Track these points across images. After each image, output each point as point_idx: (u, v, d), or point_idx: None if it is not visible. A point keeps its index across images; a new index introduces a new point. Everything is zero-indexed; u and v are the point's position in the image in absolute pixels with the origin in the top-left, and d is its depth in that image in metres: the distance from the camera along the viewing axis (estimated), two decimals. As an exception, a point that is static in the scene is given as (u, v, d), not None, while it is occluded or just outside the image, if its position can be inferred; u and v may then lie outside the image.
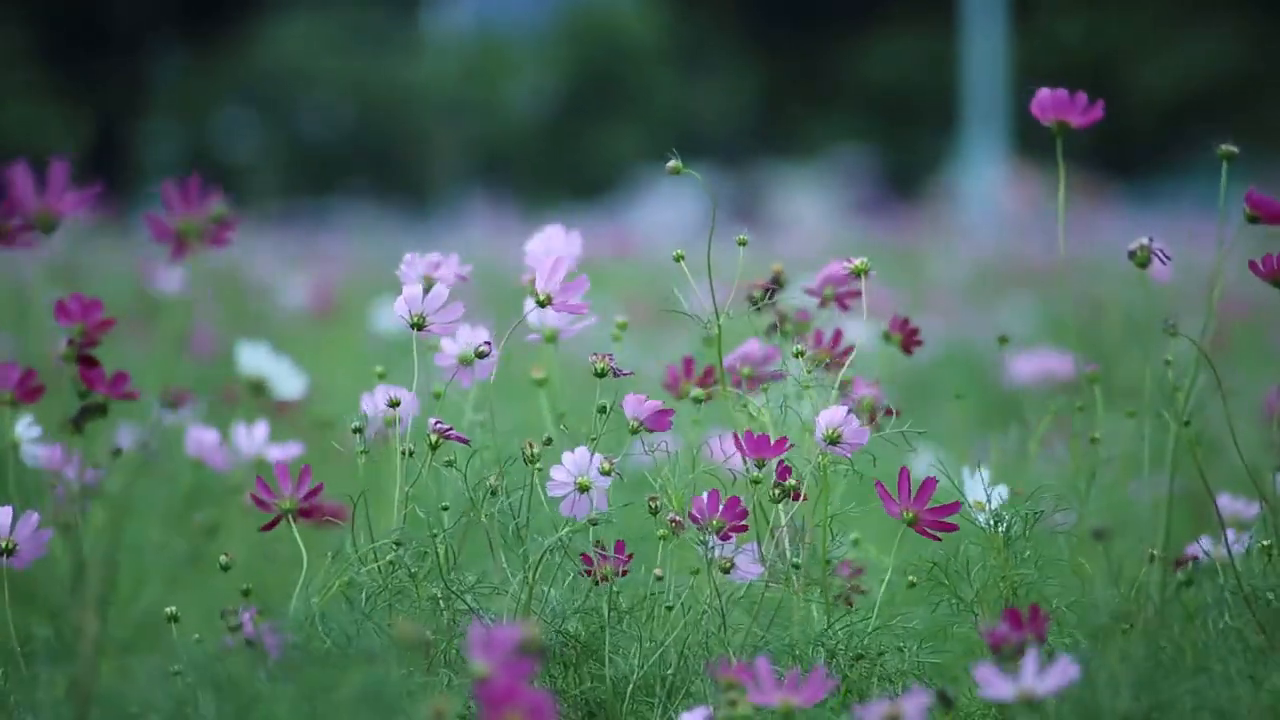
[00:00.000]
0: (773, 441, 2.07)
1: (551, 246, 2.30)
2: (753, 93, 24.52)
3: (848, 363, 2.27)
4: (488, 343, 2.16)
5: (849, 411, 2.10)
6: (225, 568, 2.15)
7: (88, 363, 2.12)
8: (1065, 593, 2.10)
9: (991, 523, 2.10)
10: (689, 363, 2.31)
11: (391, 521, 2.07)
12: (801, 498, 2.10)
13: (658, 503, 2.08)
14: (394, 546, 2.04)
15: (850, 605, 2.21)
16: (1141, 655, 1.91)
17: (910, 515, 2.06)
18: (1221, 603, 2.04)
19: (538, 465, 2.08)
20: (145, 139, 23.48)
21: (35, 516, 2.09)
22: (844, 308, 2.35)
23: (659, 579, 2.08)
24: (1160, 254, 2.13)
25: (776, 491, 2.08)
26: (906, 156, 22.10)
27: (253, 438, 2.76)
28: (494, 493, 2.07)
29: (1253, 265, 2.11)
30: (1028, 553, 2.10)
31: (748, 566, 2.10)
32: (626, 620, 2.07)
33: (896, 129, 23.22)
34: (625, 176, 20.37)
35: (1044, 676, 1.78)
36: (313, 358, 5.83)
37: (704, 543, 2.06)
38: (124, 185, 18.61)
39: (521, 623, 1.77)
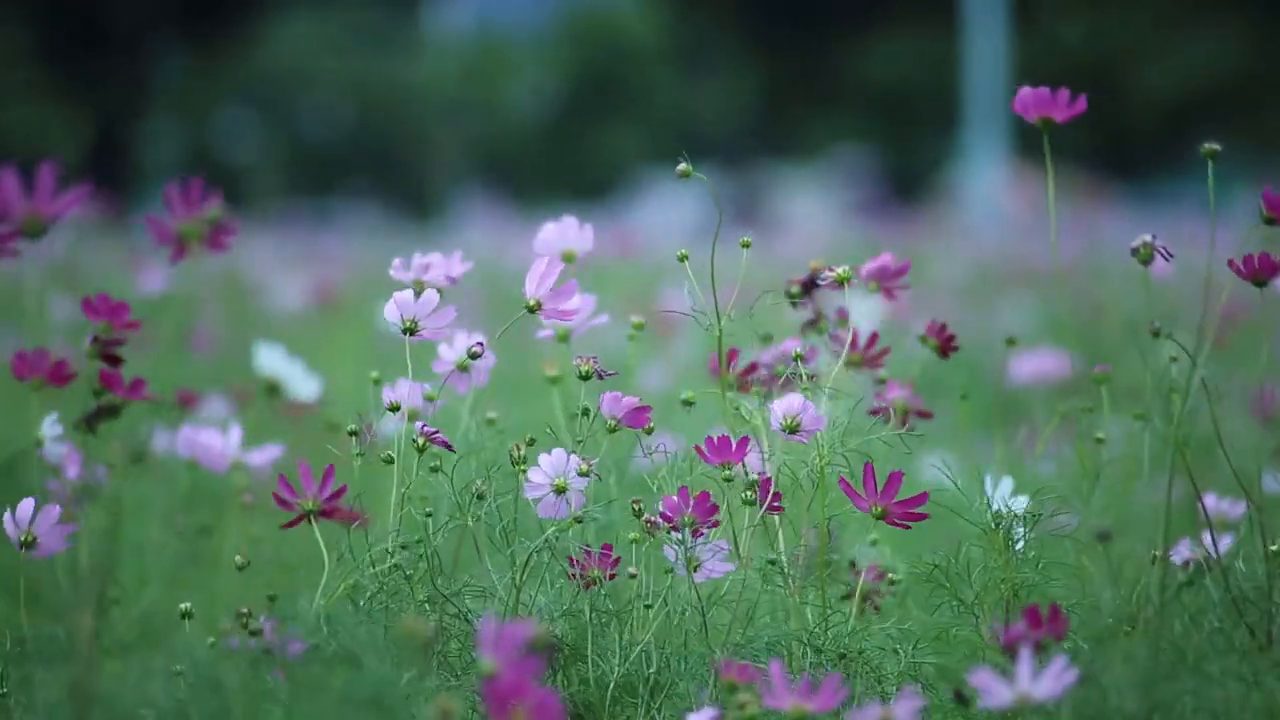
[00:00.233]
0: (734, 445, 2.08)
1: (565, 239, 2.29)
2: (753, 93, 24.51)
3: (883, 364, 2.28)
4: (480, 344, 2.15)
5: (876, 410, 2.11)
6: (240, 568, 2.14)
7: (112, 361, 2.12)
8: (1068, 594, 2.10)
9: (993, 524, 2.10)
10: (734, 354, 2.31)
11: (390, 522, 2.07)
12: (769, 505, 2.10)
13: (640, 505, 2.08)
14: (399, 549, 2.04)
15: (876, 607, 2.21)
16: (1145, 656, 1.90)
17: (879, 509, 2.07)
18: (1210, 605, 2.04)
19: (522, 468, 2.07)
20: (146, 139, 23.48)
21: (56, 510, 2.08)
22: (891, 298, 2.36)
23: (632, 577, 2.07)
24: (1163, 251, 2.14)
25: (749, 494, 2.08)
26: (907, 157, 22.10)
27: (229, 441, 2.75)
28: (481, 496, 2.06)
29: (1232, 265, 2.11)
30: (1031, 553, 2.10)
31: (716, 564, 2.09)
32: (609, 621, 2.06)
33: (897, 129, 23.22)
34: (626, 177, 20.37)
35: (1040, 680, 1.77)
36: (313, 359, 5.83)
37: (680, 543, 2.06)
38: (124, 185, 18.62)
39: (529, 621, 1.76)
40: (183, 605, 2.10)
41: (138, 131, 23.36)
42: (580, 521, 2.07)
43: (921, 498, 2.07)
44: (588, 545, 2.08)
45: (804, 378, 2.16)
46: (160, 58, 24.29)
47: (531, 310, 2.13)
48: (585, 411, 2.09)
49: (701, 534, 2.07)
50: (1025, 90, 2.16)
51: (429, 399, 2.20)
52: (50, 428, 2.27)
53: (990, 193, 15.18)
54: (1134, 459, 2.27)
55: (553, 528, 2.06)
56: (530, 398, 2.65)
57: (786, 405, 2.10)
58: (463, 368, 2.19)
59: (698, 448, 2.09)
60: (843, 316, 2.37)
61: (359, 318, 6.22)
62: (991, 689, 1.77)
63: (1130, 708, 1.85)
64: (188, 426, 2.77)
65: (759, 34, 24.65)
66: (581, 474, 2.07)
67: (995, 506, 2.10)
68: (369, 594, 2.04)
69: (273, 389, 3.11)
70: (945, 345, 2.37)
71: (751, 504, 2.08)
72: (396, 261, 2.22)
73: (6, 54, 21.63)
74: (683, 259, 2.14)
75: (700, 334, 2.20)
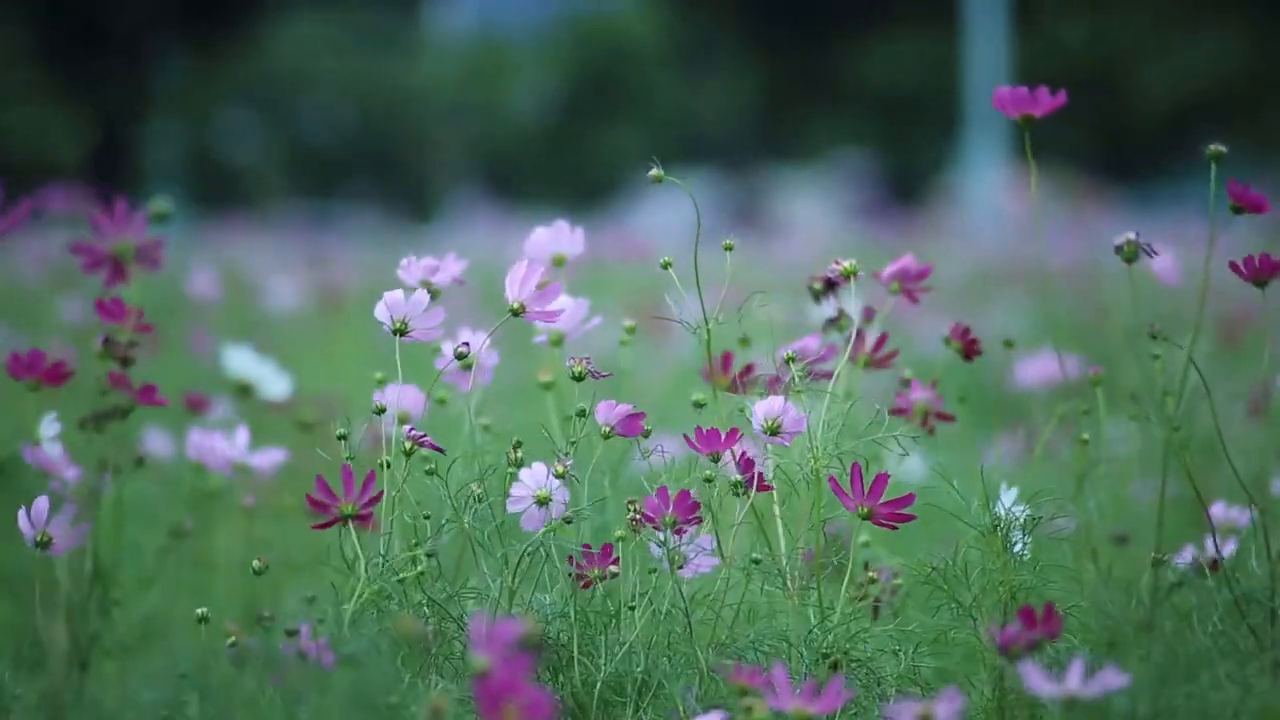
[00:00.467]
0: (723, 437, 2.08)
1: (556, 242, 2.29)
2: (753, 95, 24.51)
3: (892, 364, 2.28)
4: (466, 344, 2.14)
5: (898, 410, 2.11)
6: (258, 573, 2.12)
7: (125, 363, 2.11)
8: (1065, 597, 2.10)
9: (991, 527, 2.10)
10: (728, 358, 2.31)
11: (384, 526, 2.06)
12: (755, 490, 2.10)
13: (636, 505, 2.08)
14: (408, 554, 2.04)
15: (892, 609, 2.21)
16: (1160, 659, 1.91)
17: (865, 510, 2.07)
18: (1213, 606, 2.04)
19: (513, 471, 2.07)
20: (147, 140, 23.48)
21: (71, 509, 2.07)
22: (913, 300, 2.37)
23: (614, 575, 2.07)
24: (1147, 248, 2.17)
25: (737, 487, 2.08)
26: (907, 159, 22.10)
27: (234, 444, 2.75)
28: (479, 499, 2.06)
29: (1234, 266, 2.13)
30: (1027, 556, 2.10)
31: (703, 560, 2.10)
32: (601, 621, 2.07)
33: (897, 131, 23.22)
34: (626, 178, 20.37)
35: (1090, 682, 1.80)
36: (313, 360, 5.83)
37: (662, 543, 2.07)
38: (125, 186, 18.61)
39: (520, 619, 1.76)
40: (199, 610, 2.09)
41: (138, 132, 23.36)
42: (570, 522, 2.07)
43: (908, 499, 2.07)
44: (587, 545, 2.08)
45: (796, 378, 2.16)
46: (161, 58, 24.29)
47: (515, 313, 2.12)
48: (581, 413, 2.09)
49: (685, 532, 2.08)
50: (1002, 89, 2.19)
51: (440, 401, 2.20)
52: (48, 427, 2.26)
53: (990, 194, 15.18)
54: (1131, 461, 2.28)
55: (545, 528, 2.06)
56: (530, 401, 2.65)
57: (768, 407, 2.11)
58: (466, 365, 2.19)
59: (686, 438, 2.09)
60: (869, 315, 2.39)
61: (360, 319, 6.22)
62: (1041, 686, 1.80)
63: (1144, 711, 1.85)
64: (195, 430, 2.77)
65: (759, 35, 24.65)
66: (557, 476, 2.07)
67: (993, 509, 2.10)
68: (380, 598, 2.04)
69: (244, 390, 3.11)
70: (969, 348, 2.39)
71: (741, 494, 2.08)
72: (404, 263, 2.21)
73: (6, 54, 21.63)
74: (666, 266, 2.14)
75: (696, 336, 2.20)
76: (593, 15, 23.81)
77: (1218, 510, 2.29)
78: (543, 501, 2.07)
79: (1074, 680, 1.80)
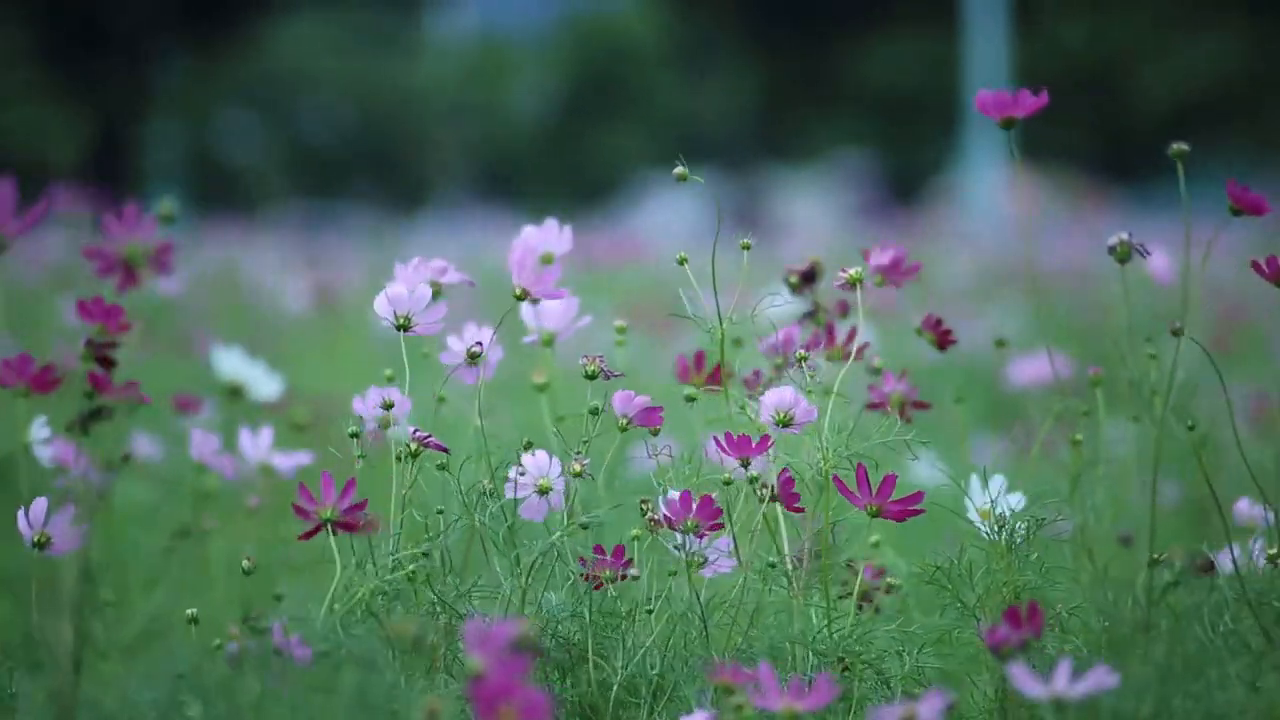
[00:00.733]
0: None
1: (545, 241, 2.30)
2: (754, 95, 24.52)
3: (852, 352, 2.27)
4: (479, 343, 2.15)
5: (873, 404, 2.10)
6: (247, 573, 2.13)
7: (106, 364, 2.11)
8: (1069, 598, 2.10)
9: (995, 528, 2.10)
10: (700, 357, 2.31)
11: (392, 525, 2.06)
12: (792, 507, 2.10)
13: (647, 504, 2.08)
14: (414, 553, 2.04)
15: (874, 605, 2.21)
16: (1160, 659, 1.91)
17: (874, 508, 2.06)
18: (1223, 605, 2.04)
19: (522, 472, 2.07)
20: (147, 141, 23.48)
21: (71, 509, 2.07)
22: (897, 284, 2.34)
23: (635, 578, 2.07)
24: (1140, 249, 2.17)
25: (765, 492, 2.07)
26: (908, 160, 22.10)
27: (258, 444, 2.75)
28: (489, 495, 2.06)
29: (1255, 265, 2.13)
30: (1033, 556, 2.10)
31: (722, 562, 2.09)
32: (614, 623, 2.06)
33: (897, 132, 23.22)
34: (627, 179, 20.37)
35: (1078, 682, 1.79)
36: (313, 360, 5.83)
37: (680, 546, 2.06)
38: (126, 187, 18.61)
39: (516, 620, 1.76)
40: (188, 611, 2.09)
41: (138, 132, 23.36)
42: (586, 528, 2.06)
43: (917, 495, 2.07)
44: (599, 546, 2.08)
45: (780, 371, 2.16)
46: (161, 58, 24.29)
47: (519, 298, 2.13)
48: (595, 410, 2.09)
49: (705, 536, 2.07)
50: (984, 93, 2.20)
51: (440, 400, 2.20)
52: (38, 430, 2.27)
53: (990, 195, 15.18)
54: (1130, 461, 2.28)
55: (558, 532, 2.06)
56: (526, 400, 2.65)
57: (778, 398, 2.09)
58: (473, 360, 2.19)
59: (716, 440, 2.07)
60: (842, 309, 2.38)
61: (360, 320, 6.22)
62: (1029, 688, 1.79)
63: (1146, 712, 1.85)
64: (196, 430, 2.76)
65: (759, 35, 24.65)
66: (574, 475, 2.07)
67: (998, 510, 2.11)
68: (373, 597, 2.04)
69: (235, 391, 3.10)
70: (942, 338, 2.38)
71: (766, 500, 2.08)
72: (399, 266, 2.21)
73: (6, 54, 21.63)
74: (682, 262, 2.14)
75: (698, 335, 2.20)
76: (593, 15, 23.82)
77: (1241, 507, 2.28)
78: (544, 491, 2.07)
79: (1061, 681, 1.79)
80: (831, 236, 11.05)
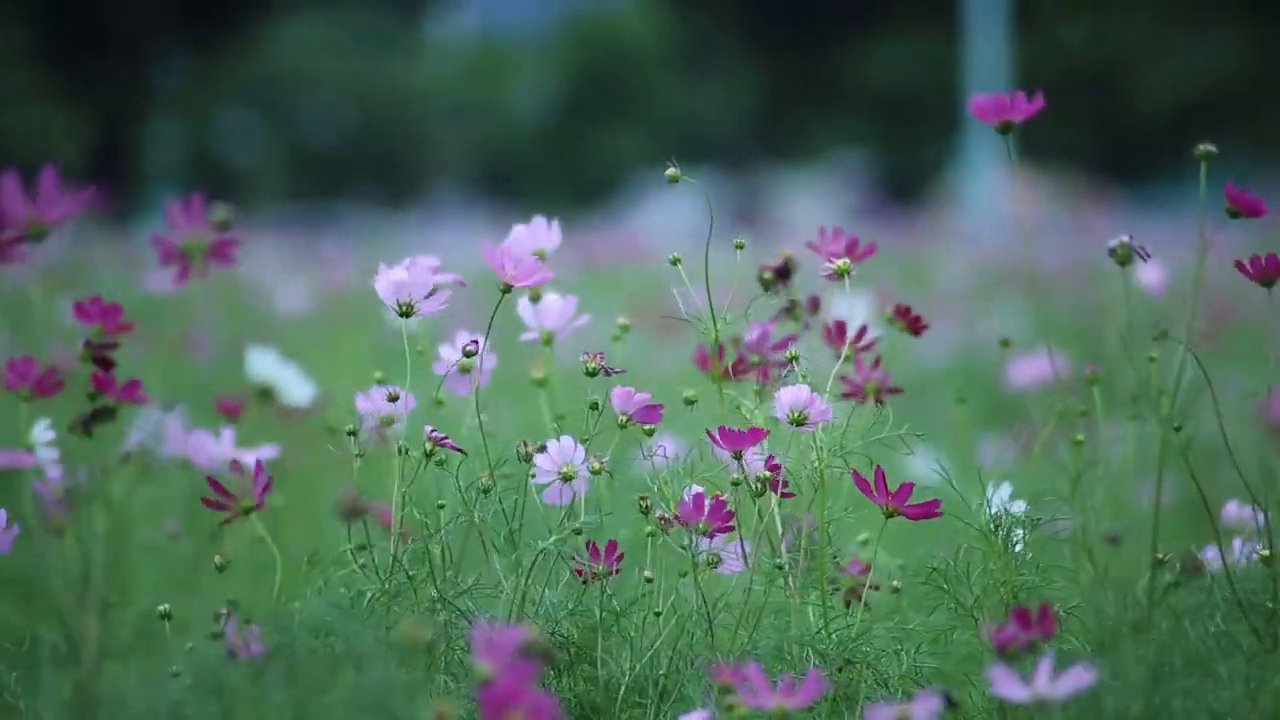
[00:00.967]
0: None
1: (535, 239, 2.30)
2: (754, 95, 24.52)
3: (844, 347, 2.27)
4: (475, 341, 2.15)
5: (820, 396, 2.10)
6: (220, 569, 2.14)
7: (105, 365, 2.11)
8: (1066, 598, 2.10)
9: (992, 527, 2.10)
10: (720, 350, 2.30)
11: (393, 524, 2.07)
12: (779, 494, 2.10)
13: (649, 502, 2.08)
14: (412, 550, 2.04)
15: (861, 600, 2.20)
16: (1152, 659, 1.91)
17: (890, 509, 2.07)
18: (1215, 606, 2.04)
19: (531, 468, 2.08)
20: (147, 141, 23.49)
21: (3, 513, 2.08)
22: (857, 262, 2.33)
23: (649, 580, 2.07)
24: (1141, 251, 2.17)
25: (759, 486, 2.08)
26: (908, 160, 22.11)
27: (222, 441, 2.74)
28: (486, 492, 2.06)
29: (1240, 265, 2.13)
30: (1030, 556, 2.10)
31: (733, 563, 2.10)
32: (619, 622, 2.07)
33: (897, 132, 23.23)
34: (627, 179, 20.38)
35: (1058, 681, 1.78)
36: (313, 361, 5.83)
37: (686, 547, 2.06)
38: (126, 187, 18.63)
39: (524, 625, 1.77)
40: (165, 610, 2.10)
41: (139, 132, 23.37)
42: (579, 534, 2.07)
43: (933, 503, 2.07)
44: (600, 544, 2.08)
45: (786, 366, 2.16)
46: (161, 58, 24.30)
47: (505, 291, 2.13)
48: (594, 406, 2.09)
49: (715, 537, 2.07)
50: (980, 97, 2.20)
51: (438, 403, 2.21)
52: (41, 433, 2.26)
53: (990, 196, 15.18)
54: (1129, 461, 2.28)
55: (560, 530, 2.06)
56: (524, 399, 2.65)
57: (794, 396, 2.09)
58: (465, 369, 2.19)
59: (710, 434, 2.08)
60: (814, 304, 2.39)
61: (360, 321, 6.22)
62: (1010, 689, 1.78)
63: (1138, 710, 1.85)
64: (178, 427, 2.76)
65: (759, 36, 24.66)
66: (593, 472, 2.07)
67: (995, 509, 2.11)
68: (371, 595, 2.04)
69: (265, 394, 3.09)
70: (913, 325, 2.39)
71: (761, 494, 2.08)
72: (382, 267, 2.21)
73: (6, 54, 21.63)
74: (675, 263, 2.15)
75: (698, 335, 2.21)
76: (593, 16, 23.82)
77: (1230, 510, 2.29)
78: (568, 478, 2.07)
79: (1042, 681, 1.79)
80: (831, 237, 11.04)
